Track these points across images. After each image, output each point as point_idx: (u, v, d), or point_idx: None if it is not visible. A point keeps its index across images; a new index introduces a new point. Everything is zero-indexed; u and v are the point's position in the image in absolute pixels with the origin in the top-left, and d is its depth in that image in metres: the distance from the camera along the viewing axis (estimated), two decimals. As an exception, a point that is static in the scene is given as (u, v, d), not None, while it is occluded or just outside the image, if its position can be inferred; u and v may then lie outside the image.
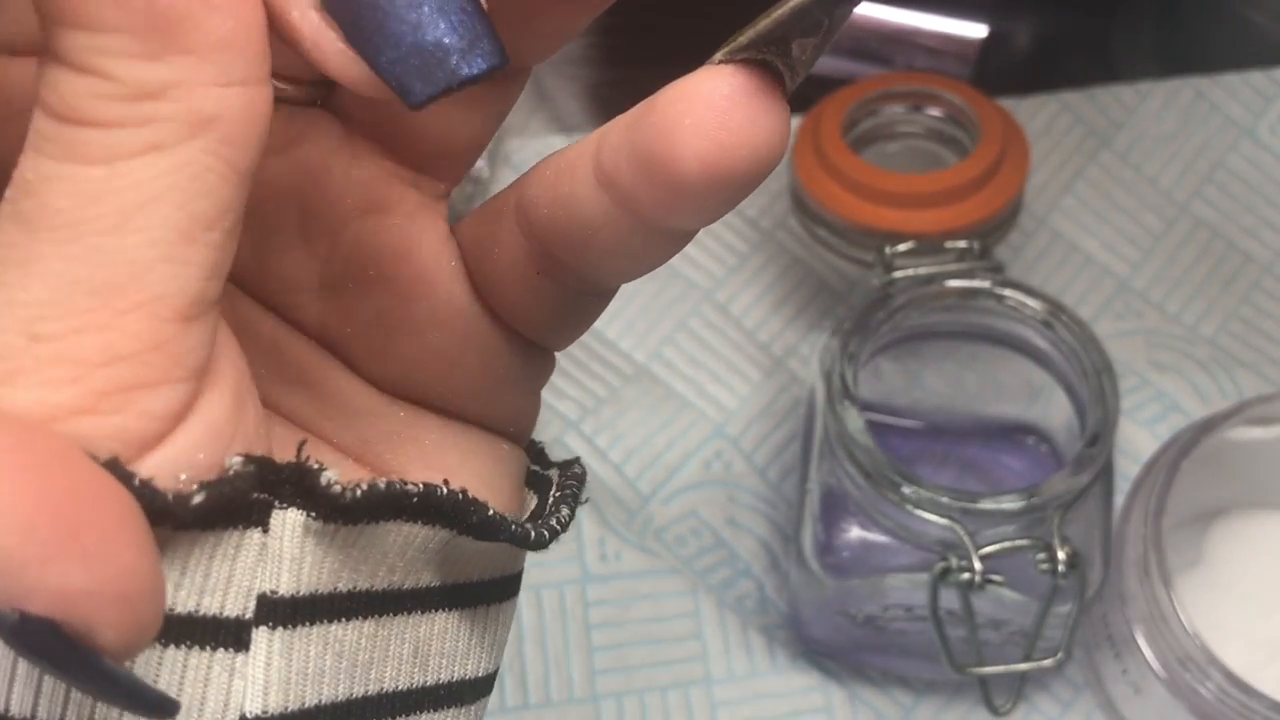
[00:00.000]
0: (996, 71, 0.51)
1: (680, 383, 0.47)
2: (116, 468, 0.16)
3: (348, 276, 0.21)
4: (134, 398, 0.16)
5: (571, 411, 0.47)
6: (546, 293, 0.21)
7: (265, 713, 0.18)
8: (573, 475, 0.24)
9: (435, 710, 0.21)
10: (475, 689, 0.23)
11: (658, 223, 0.19)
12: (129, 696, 0.16)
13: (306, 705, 0.19)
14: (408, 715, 0.21)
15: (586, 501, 0.24)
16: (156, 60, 0.15)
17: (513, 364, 0.22)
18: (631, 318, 0.48)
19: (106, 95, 0.15)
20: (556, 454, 0.47)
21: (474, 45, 0.17)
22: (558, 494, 0.23)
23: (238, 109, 0.16)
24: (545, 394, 0.49)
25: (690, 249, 0.49)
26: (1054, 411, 0.42)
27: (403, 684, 0.21)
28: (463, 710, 0.22)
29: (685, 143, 0.17)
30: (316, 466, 0.18)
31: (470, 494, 0.20)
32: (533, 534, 0.22)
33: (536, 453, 0.25)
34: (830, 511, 0.40)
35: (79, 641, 0.15)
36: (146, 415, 0.16)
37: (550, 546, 0.23)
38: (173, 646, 0.17)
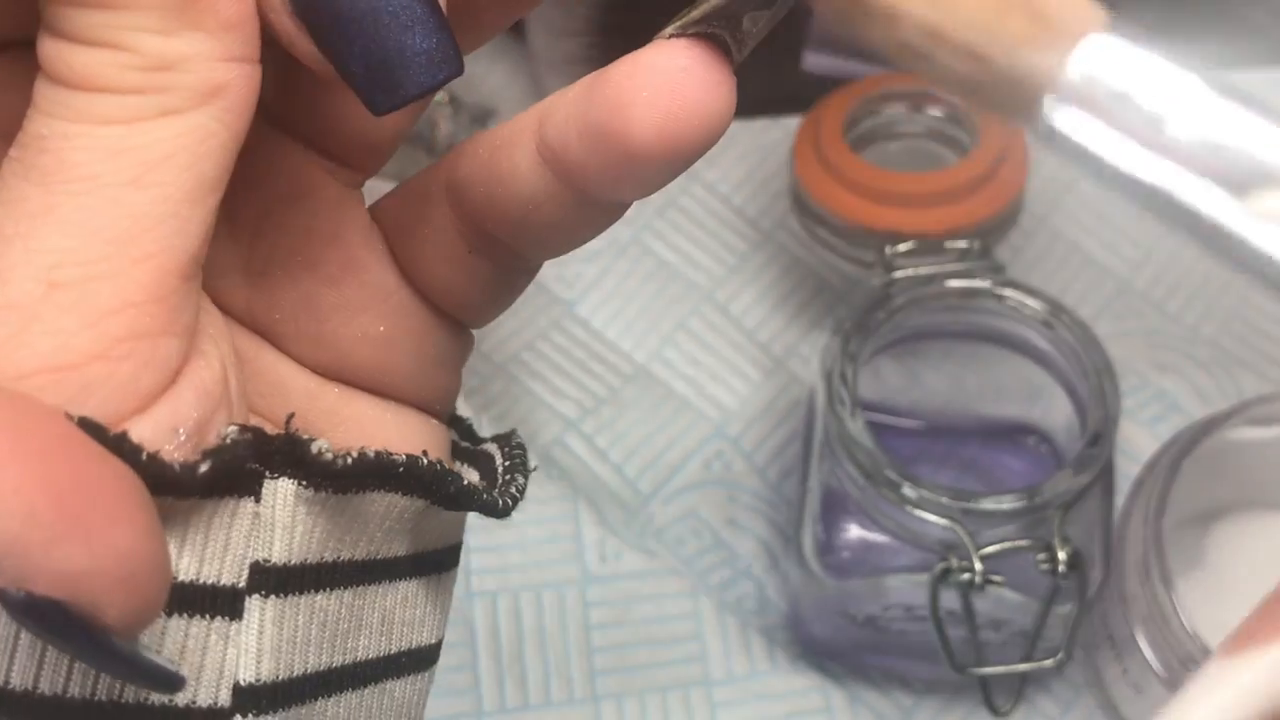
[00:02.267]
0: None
1: (680, 383, 0.47)
2: (123, 442, 0.16)
3: (273, 262, 0.21)
4: (140, 346, 0.17)
5: (571, 411, 0.47)
6: (477, 271, 0.22)
7: (258, 680, 0.18)
8: (516, 446, 0.25)
9: (398, 678, 0.22)
10: (429, 657, 0.23)
11: (603, 195, 0.19)
12: (136, 672, 0.16)
13: (294, 674, 0.19)
14: (377, 683, 0.22)
15: (536, 469, 0.25)
16: (172, 35, 0.16)
17: (441, 344, 0.23)
18: (631, 318, 0.48)
19: (124, 65, 0.16)
20: (557, 454, 0.47)
21: (435, 56, 0.18)
22: (507, 463, 0.24)
23: (240, 82, 0.17)
24: (545, 394, 0.49)
25: (690, 249, 0.49)
26: (1054, 411, 0.42)
27: (373, 653, 0.21)
28: (419, 678, 0.23)
29: (640, 115, 0.18)
30: (306, 436, 0.19)
31: (445, 465, 0.21)
32: (500, 502, 0.23)
33: (465, 429, 0.25)
34: (830, 511, 0.40)
35: (84, 620, 0.15)
36: (150, 365, 0.17)
37: (511, 514, 0.24)
38: (175, 615, 0.18)
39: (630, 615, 0.43)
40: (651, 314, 0.48)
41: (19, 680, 0.17)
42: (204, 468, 0.17)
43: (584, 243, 0.21)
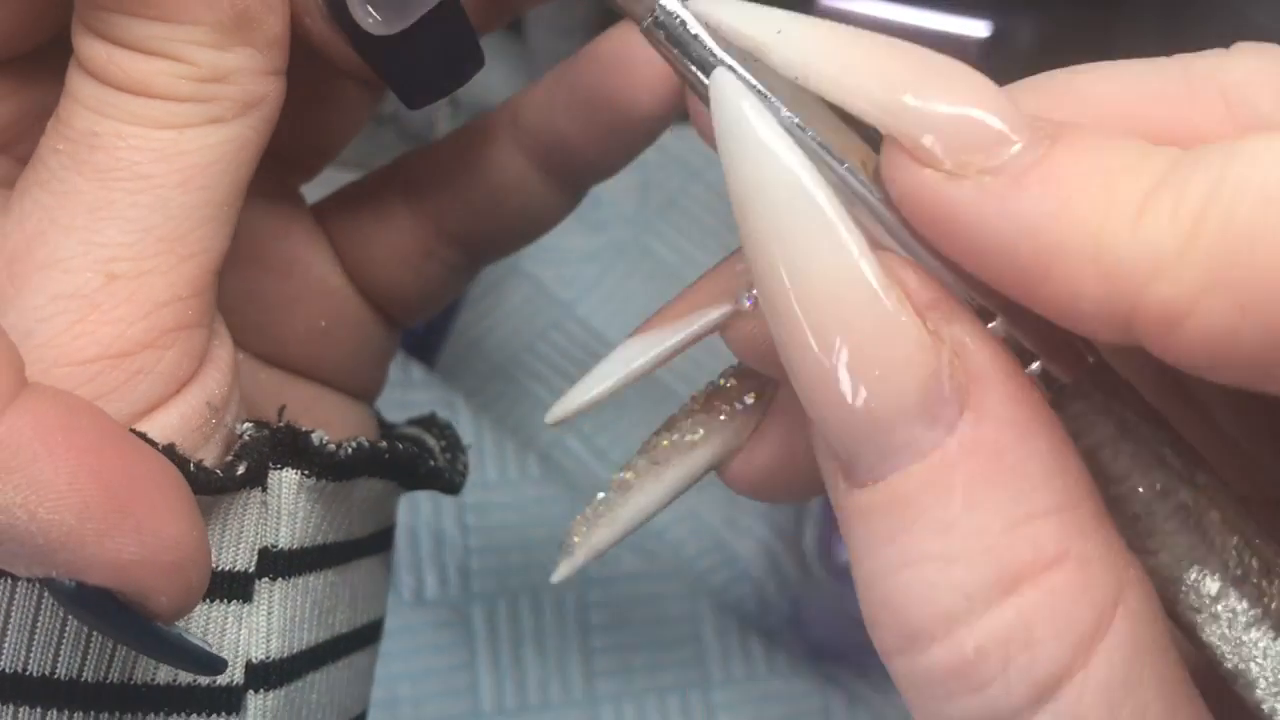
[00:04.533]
0: (999, 70, 0.51)
1: (680, 383, 0.47)
2: (174, 453, 0.17)
3: None
4: (182, 336, 0.18)
5: (571, 412, 0.46)
6: (426, 273, 0.24)
7: (268, 658, 0.20)
8: (446, 426, 0.26)
9: (360, 650, 0.24)
10: (379, 630, 0.25)
11: (591, 167, 0.22)
12: (180, 656, 0.17)
13: (294, 651, 0.20)
14: (348, 655, 0.23)
15: (470, 446, 0.26)
16: (225, 50, 0.17)
17: (375, 339, 0.24)
18: (631, 318, 0.48)
19: (180, 75, 0.17)
20: (558, 456, 0.47)
21: (464, 56, 0.19)
22: (443, 444, 0.25)
23: (275, 94, 0.18)
24: (545, 394, 0.49)
25: (690, 249, 0.49)
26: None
27: (345, 627, 0.23)
28: (372, 649, 0.25)
29: (631, 77, 0.21)
30: (305, 428, 0.20)
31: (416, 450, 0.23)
32: (455, 480, 0.25)
33: (376, 415, 0.27)
34: (832, 512, 0.39)
35: (133, 608, 0.16)
36: (190, 353, 0.18)
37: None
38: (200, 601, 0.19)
39: (629, 617, 0.42)
40: (650, 312, 0.48)
41: (36, 667, 0.18)
42: (241, 469, 0.18)
43: (541, 235, 0.24)
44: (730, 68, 0.15)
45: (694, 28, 0.15)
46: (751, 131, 0.15)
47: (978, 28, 0.50)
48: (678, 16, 0.16)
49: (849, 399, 0.14)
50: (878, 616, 0.14)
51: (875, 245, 0.14)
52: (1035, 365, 0.14)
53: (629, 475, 0.19)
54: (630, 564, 0.43)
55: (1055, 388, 0.14)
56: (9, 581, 0.17)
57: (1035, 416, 0.14)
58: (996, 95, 0.14)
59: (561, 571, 0.19)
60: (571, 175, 0.23)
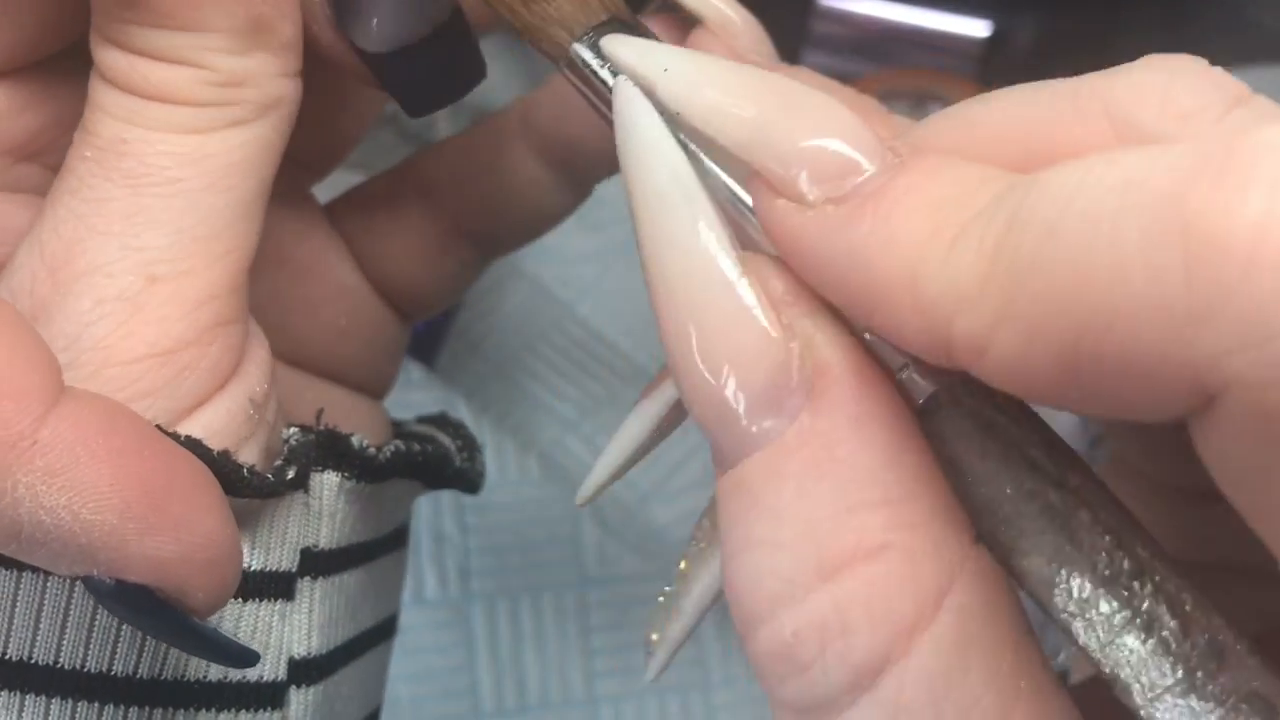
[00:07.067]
0: (999, 69, 0.51)
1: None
2: (226, 459, 0.18)
3: None
4: (222, 332, 0.18)
5: (571, 412, 0.46)
6: (441, 268, 0.24)
7: (309, 654, 0.20)
8: (460, 425, 0.27)
9: (380, 644, 0.24)
10: (395, 624, 0.25)
11: (596, 169, 0.23)
12: (215, 650, 0.17)
13: (331, 647, 0.21)
14: (372, 649, 0.23)
15: (484, 445, 0.27)
16: (243, 55, 0.18)
17: (390, 335, 0.25)
18: (631, 319, 0.48)
19: (202, 81, 0.18)
20: (558, 456, 0.47)
21: (466, 69, 0.20)
22: (459, 443, 0.26)
23: (292, 94, 0.19)
24: (545, 394, 0.49)
25: (690, 249, 0.49)
26: (1054, 411, 0.42)
27: (370, 622, 0.23)
28: (390, 643, 0.25)
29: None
30: (344, 432, 0.21)
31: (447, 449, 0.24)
32: (475, 479, 0.25)
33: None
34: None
35: (170, 604, 0.16)
36: (230, 348, 0.18)
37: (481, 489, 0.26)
38: (249, 601, 0.19)
39: (629, 618, 0.42)
40: (652, 315, 0.48)
41: (94, 663, 0.18)
42: (291, 473, 0.19)
43: (553, 227, 0.24)
44: (633, 80, 0.16)
45: (602, 73, 0.17)
46: (638, 130, 0.16)
47: (978, 27, 0.50)
48: (588, 62, 0.17)
49: (705, 384, 0.14)
50: (729, 599, 0.15)
51: (749, 245, 0.15)
52: (905, 371, 0.15)
53: (684, 566, 0.19)
54: (630, 564, 0.43)
55: (924, 393, 0.15)
56: (41, 576, 0.18)
57: (875, 412, 0.14)
58: (853, 124, 0.14)
59: (653, 672, 0.19)
60: (581, 172, 0.24)
